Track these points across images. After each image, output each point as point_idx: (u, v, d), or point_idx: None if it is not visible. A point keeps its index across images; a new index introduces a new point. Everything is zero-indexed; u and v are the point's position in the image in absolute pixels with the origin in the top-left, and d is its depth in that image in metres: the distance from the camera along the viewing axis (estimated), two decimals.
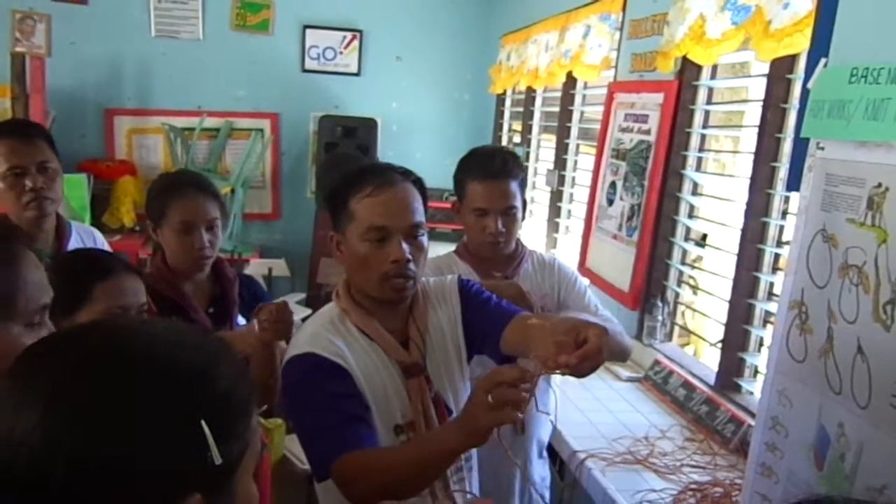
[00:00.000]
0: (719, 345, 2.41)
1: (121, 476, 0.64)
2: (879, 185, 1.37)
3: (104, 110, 4.88)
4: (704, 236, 2.72)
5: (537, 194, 4.32)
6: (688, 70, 2.63)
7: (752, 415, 2.07)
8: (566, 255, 3.52)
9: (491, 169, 2.00)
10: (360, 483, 1.31)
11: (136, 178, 4.81)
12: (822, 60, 1.57)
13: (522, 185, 2.08)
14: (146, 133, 4.98)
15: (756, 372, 2.30)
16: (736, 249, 2.32)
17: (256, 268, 4.50)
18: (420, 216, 1.48)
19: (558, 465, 2.28)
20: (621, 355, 2.00)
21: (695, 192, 2.70)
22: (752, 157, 2.28)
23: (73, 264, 1.57)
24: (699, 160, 2.69)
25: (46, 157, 2.08)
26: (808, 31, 1.75)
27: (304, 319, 3.15)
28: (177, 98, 4.92)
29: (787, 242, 2.02)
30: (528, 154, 4.34)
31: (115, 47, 4.80)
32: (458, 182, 2.08)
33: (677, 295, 2.79)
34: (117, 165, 4.83)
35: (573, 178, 3.83)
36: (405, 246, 1.44)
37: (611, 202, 3.05)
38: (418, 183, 1.52)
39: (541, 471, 2.18)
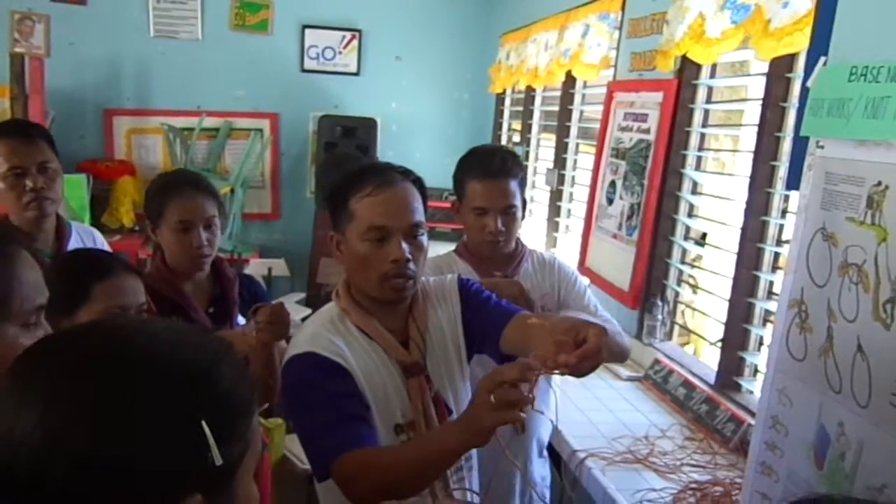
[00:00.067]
0: (719, 344, 2.41)
1: (121, 476, 0.63)
2: (879, 183, 1.37)
3: (103, 110, 4.88)
4: (704, 235, 2.72)
5: (537, 193, 4.32)
6: (687, 69, 2.63)
7: (752, 414, 2.07)
8: (566, 254, 3.51)
9: (490, 168, 2.00)
10: (360, 482, 1.31)
11: (135, 178, 4.81)
12: (822, 59, 1.57)
13: (522, 185, 2.07)
14: (145, 133, 4.98)
15: (756, 371, 2.30)
16: (736, 248, 2.32)
17: (256, 268, 4.50)
18: (420, 216, 1.48)
19: (558, 465, 2.28)
20: (620, 356, 2.00)
21: (694, 191, 2.70)
22: (751, 155, 2.28)
23: (73, 264, 1.57)
24: (699, 159, 2.69)
25: (47, 157, 2.08)
26: (808, 30, 1.75)
27: (304, 319, 3.15)
28: (176, 98, 4.91)
29: (787, 241, 2.02)
30: (527, 153, 4.34)
31: (114, 47, 4.80)
32: (457, 181, 2.08)
33: (677, 294, 2.79)
34: (116, 166, 4.82)
35: (573, 178, 3.83)
36: (405, 245, 1.44)
37: (610, 201, 3.05)
38: (418, 182, 1.52)
39: (541, 470, 2.18)
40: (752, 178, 2.25)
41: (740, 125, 2.75)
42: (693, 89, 2.66)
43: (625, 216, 2.93)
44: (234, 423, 0.70)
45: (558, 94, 3.88)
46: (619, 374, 2.68)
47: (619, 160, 3.00)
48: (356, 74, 5.14)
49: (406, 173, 1.52)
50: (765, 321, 2.27)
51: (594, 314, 2.00)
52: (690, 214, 2.73)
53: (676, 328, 2.82)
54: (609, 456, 2.06)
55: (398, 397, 1.47)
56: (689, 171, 2.69)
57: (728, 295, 2.35)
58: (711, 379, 2.40)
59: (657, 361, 2.63)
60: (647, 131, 2.81)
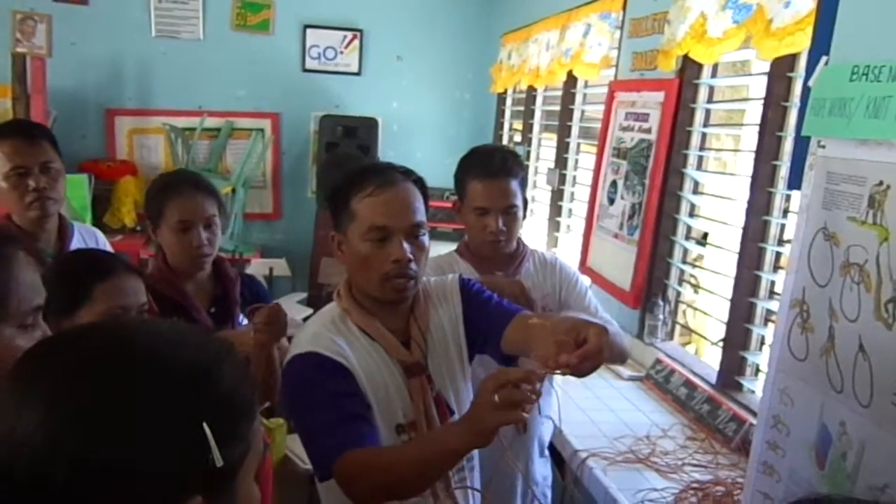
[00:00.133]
0: (720, 343, 2.41)
1: (121, 477, 0.63)
2: (881, 183, 1.37)
3: (105, 110, 4.88)
4: (705, 235, 2.72)
5: (538, 193, 4.31)
6: (688, 68, 2.63)
7: (754, 413, 2.07)
8: (567, 254, 3.51)
9: (491, 168, 2.00)
10: (361, 481, 1.31)
11: (136, 178, 4.81)
12: (823, 58, 1.57)
13: (523, 184, 2.07)
14: (147, 133, 4.98)
15: (757, 370, 2.30)
16: (737, 248, 2.32)
17: (257, 268, 4.50)
18: (421, 216, 1.48)
19: (560, 465, 2.28)
20: (620, 357, 2.00)
21: (696, 191, 2.70)
22: (753, 155, 2.28)
23: (74, 264, 1.57)
24: (700, 159, 2.69)
25: (49, 157, 2.09)
26: (809, 30, 1.75)
27: (305, 319, 3.15)
28: (177, 98, 4.92)
29: (789, 241, 2.02)
30: (528, 153, 4.34)
31: (116, 47, 4.80)
32: (458, 181, 2.08)
33: (678, 294, 2.79)
34: (118, 165, 4.83)
35: (574, 177, 3.83)
36: (406, 246, 1.44)
37: (612, 201, 3.05)
38: (419, 182, 1.52)
39: (542, 470, 2.18)
40: (754, 177, 2.24)
41: (742, 125, 2.75)
42: (694, 89, 2.66)
43: (626, 216, 2.93)
44: (236, 424, 0.70)
45: (559, 93, 3.88)
46: (620, 373, 2.68)
47: (620, 160, 3.00)
48: (357, 74, 5.14)
49: (407, 173, 1.51)
50: (766, 321, 2.26)
51: (595, 315, 1.99)
52: (692, 214, 2.72)
53: (678, 328, 2.82)
54: (610, 456, 2.06)
55: (399, 397, 1.47)
56: (690, 170, 2.68)
57: (729, 295, 2.35)
58: (713, 379, 2.40)
59: (658, 361, 2.63)
60: (649, 131, 2.80)
